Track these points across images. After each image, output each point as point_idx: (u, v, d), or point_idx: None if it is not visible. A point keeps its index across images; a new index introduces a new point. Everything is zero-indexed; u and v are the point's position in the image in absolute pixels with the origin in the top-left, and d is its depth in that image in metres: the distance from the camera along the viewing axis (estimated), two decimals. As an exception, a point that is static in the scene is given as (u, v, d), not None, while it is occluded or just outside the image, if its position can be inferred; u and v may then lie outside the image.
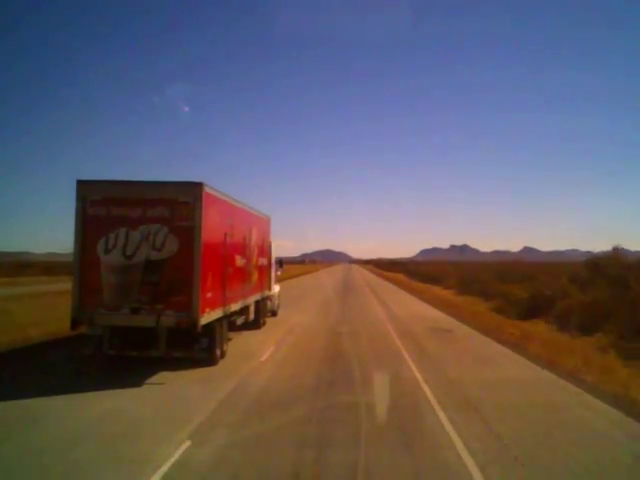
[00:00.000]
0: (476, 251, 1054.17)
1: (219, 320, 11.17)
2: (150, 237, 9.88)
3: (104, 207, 10.02)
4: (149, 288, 9.83)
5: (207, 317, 10.29)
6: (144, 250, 9.87)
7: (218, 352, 11.05)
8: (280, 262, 20.28)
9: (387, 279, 61.56)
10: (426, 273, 55.88)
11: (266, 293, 17.10)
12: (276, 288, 19.31)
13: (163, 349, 9.96)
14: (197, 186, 10.04)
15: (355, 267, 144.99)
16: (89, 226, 10.00)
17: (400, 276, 67.57)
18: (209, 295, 10.44)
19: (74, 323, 9.94)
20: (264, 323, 16.72)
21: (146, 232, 9.89)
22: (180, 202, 9.99)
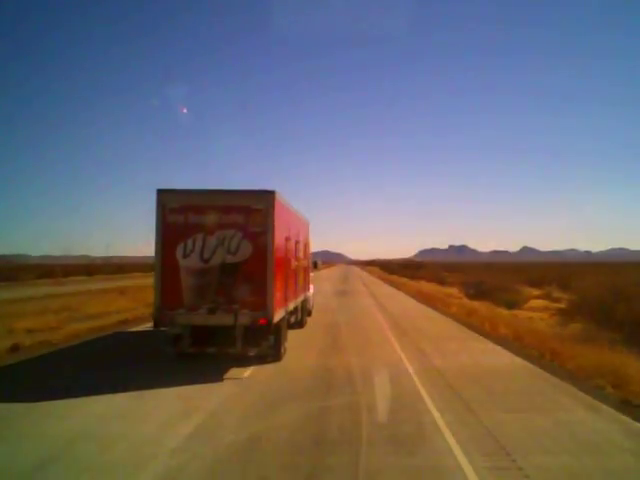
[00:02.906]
0: (475, 251, 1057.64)
1: (282, 319, 11.92)
2: (225, 242, 10.58)
3: (182, 214, 10.70)
4: (225, 289, 10.53)
5: (277, 316, 11.03)
6: (220, 254, 10.58)
7: (282, 349, 11.82)
8: (315, 263, 21.04)
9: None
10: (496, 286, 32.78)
11: (308, 294, 17.85)
12: (311, 289, 20.03)
13: (240, 346, 10.65)
14: (270, 194, 10.76)
15: (355, 270, 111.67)
16: (168, 232, 10.66)
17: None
18: (277, 295, 11.18)
19: (156, 323, 10.62)
20: (305, 322, 17.47)
21: (222, 237, 10.59)
22: (253, 209, 10.69)
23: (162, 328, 10.84)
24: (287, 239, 12.66)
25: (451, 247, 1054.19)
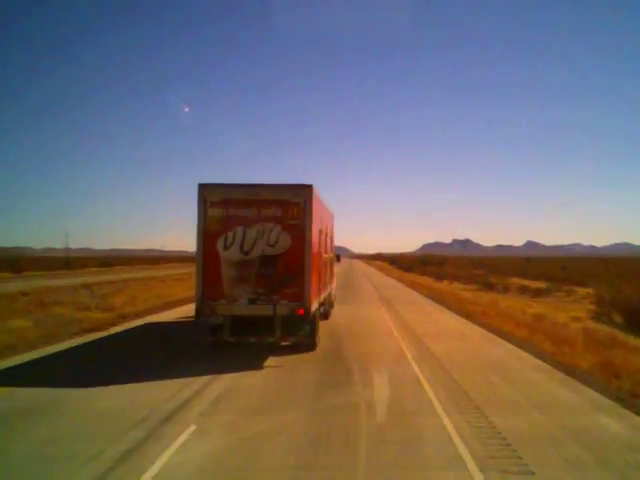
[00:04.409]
0: (478, 245, 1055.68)
1: (317, 309, 12.27)
2: (265, 234, 10.93)
3: (223, 208, 11.04)
4: (264, 280, 10.88)
5: (313, 306, 11.36)
6: (259, 246, 10.92)
7: (317, 338, 12.18)
8: (338, 257, 21.36)
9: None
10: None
11: (332, 286, 18.18)
12: (334, 282, 20.35)
13: (279, 336, 11.01)
14: (308, 188, 11.08)
15: (360, 266, 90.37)
16: (210, 225, 11.01)
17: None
18: (313, 287, 11.51)
19: (198, 313, 10.97)
20: (330, 314, 17.79)
21: (261, 230, 10.94)
22: (292, 203, 11.01)
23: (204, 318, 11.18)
24: (320, 232, 12.98)
25: (455, 241, 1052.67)
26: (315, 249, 12.01)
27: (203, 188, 11.10)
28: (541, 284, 36.54)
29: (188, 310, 18.23)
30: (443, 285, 38.97)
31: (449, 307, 21.65)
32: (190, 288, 26.47)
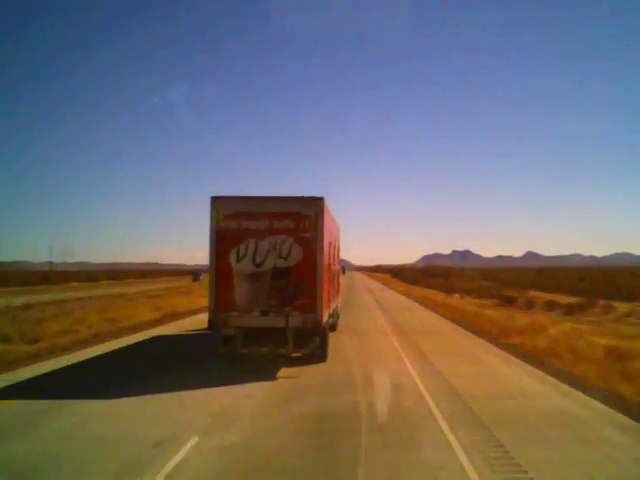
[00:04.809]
0: (478, 256, 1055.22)
1: (327, 321, 12.34)
2: (277, 247, 11.03)
3: (235, 220, 11.15)
4: (277, 292, 10.96)
5: (325, 318, 11.44)
6: (272, 258, 11.02)
7: (327, 349, 12.22)
8: (343, 269, 21.47)
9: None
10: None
11: (338, 297, 18.26)
12: (339, 293, 20.44)
13: (291, 347, 11.07)
14: (319, 200, 11.22)
15: (362, 279, 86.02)
16: (222, 238, 11.12)
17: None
18: (324, 298, 11.60)
19: (211, 325, 11.05)
20: (337, 326, 17.83)
21: (273, 242, 11.04)
22: (303, 215, 11.13)
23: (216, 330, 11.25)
24: (330, 244, 13.10)
25: (454, 252, 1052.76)
26: (326, 261, 12.12)
27: (216, 201, 11.22)
28: (569, 299, 33.11)
29: (140, 337, 16.84)
30: (457, 301, 34.59)
31: (490, 339, 16.01)
32: (158, 308, 25.15)
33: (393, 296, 41.23)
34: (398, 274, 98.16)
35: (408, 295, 40.61)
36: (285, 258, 11.04)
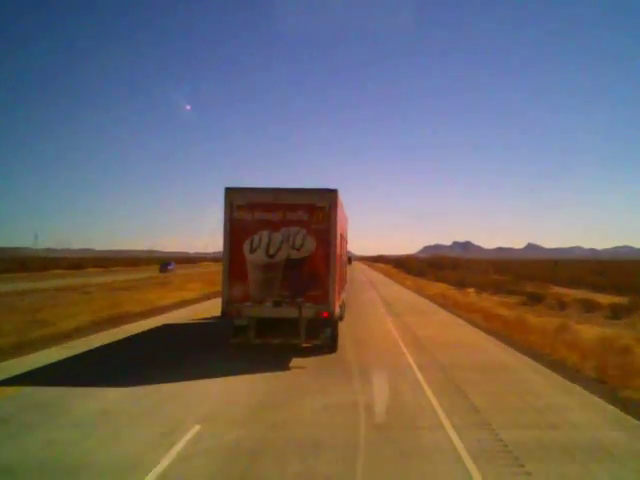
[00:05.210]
0: (479, 248, 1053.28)
1: (338, 312, 12.41)
2: (290, 238, 11.09)
3: (249, 211, 11.19)
4: (290, 283, 11.04)
5: (336, 309, 11.52)
6: (285, 250, 11.09)
7: (337, 340, 12.32)
8: (349, 259, 21.52)
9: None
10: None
11: (346, 288, 18.34)
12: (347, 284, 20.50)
13: (303, 338, 11.16)
14: (332, 193, 11.24)
15: (364, 270, 78.05)
16: (236, 229, 11.17)
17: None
18: (336, 289, 11.67)
19: (224, 314, 11.14)
20: (343, 316, 17.91)
21: (286, 234, 11.10)
22: (317, 207, 11.16)
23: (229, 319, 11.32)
24: (341, 236, 13.14)
25: (455, 243, 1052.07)
26: (338, 253, 12.17)
27: (230, 192, 11.25)
28: (600, 296, 29.29)
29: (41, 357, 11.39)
30: (477, 299, 29.04)
31: (596, 388, 9.06)
32: (113, 305, 20.62)
33: (402, 293, 33.76)
34: (401, 265, 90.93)
35: (419, 292, 34.02)
36: (298, 249, 11.10)
